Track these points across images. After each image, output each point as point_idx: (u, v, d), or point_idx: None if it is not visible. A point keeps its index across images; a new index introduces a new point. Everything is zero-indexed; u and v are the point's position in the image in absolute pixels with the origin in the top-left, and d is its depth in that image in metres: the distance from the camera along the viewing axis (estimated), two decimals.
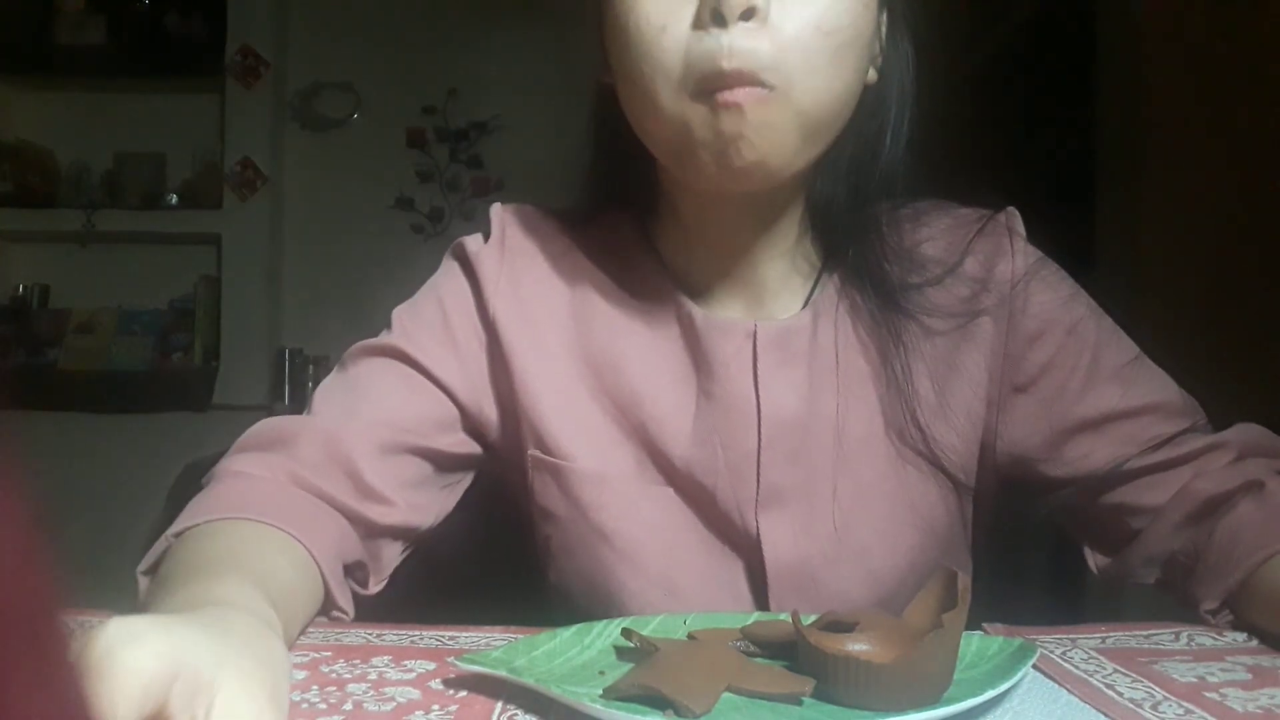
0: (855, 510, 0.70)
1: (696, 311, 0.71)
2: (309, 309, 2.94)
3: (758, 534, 0.70)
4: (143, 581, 0.60)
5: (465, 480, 0.76)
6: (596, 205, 0.78)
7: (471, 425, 0.74)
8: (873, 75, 0.69)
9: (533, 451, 0.72)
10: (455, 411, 0.73)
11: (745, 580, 0.71)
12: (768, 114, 0.60)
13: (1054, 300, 0.72)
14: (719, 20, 0.59)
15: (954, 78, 2.11)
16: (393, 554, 0.71)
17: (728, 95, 0.59)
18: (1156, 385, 0.73)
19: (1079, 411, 0.71)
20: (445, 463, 0.73)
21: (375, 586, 0.69)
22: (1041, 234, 0.75)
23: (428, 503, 0.72)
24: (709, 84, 0.60)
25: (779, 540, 0.70)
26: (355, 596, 0.67)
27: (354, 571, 0.67)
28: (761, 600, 0.71)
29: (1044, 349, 0.72)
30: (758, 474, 0.70)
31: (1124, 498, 0.71)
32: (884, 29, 0.70)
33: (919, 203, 0.75)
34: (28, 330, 2.91)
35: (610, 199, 0.77)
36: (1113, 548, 0.73)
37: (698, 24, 0.61)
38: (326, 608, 0.63)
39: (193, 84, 2.90)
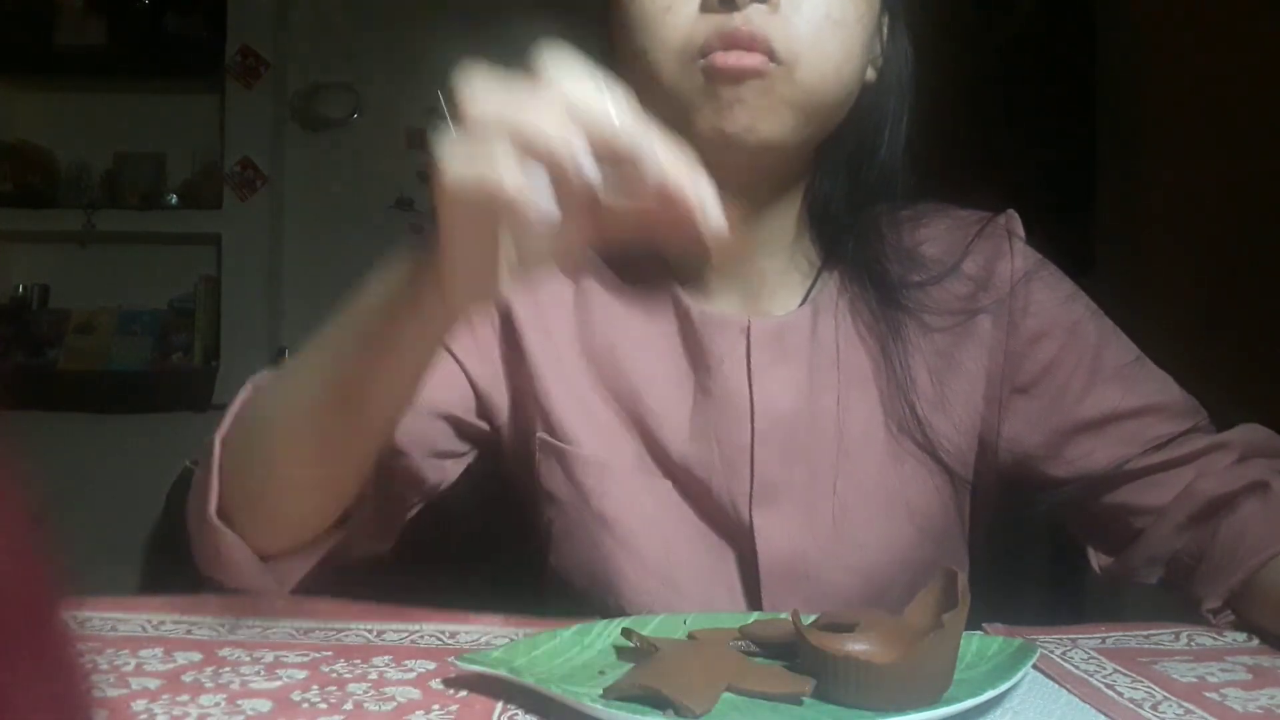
0: (852, 506, 0.71)
1: (694, 307, 0.72)
2: (309, 309, 2.93)
3: (751, 528, 0.70)
4: (218, 448, 0.62)
5: (469, 458, 0.77)
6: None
7: (482, 405, 0.75)
8: (871, 75, 0.70)
9: (540, 434, 0.73)
10: (469, 388, 0.74)
11: (738, 576, 0.72)
12: (769, 83, 0.62)
13: (1054, 300, 0.73)
14: (729, 3, 0.61)
15: (954, 77, 2.11)
16: (402, 507, 0.71)
17: (730, 58, 0.61)
18: (1158, 385, 0.73)
19: (1080, 411, 0.72)
20: (456, 431, 0.74)
21: (381, 545, 0.70)
22: (1042, 235, 0.76)
23: (436, 465, 0.73)
24: (715, 44, 0.61)
25: (773, 535, 0.70)
26: (352, 581, 0.67)
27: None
28: (754, 594, 0.71)
29: (1045, 349, 0.72)
30: (751, 469, 0.70)
31: (1126, 497, 0.71)
32: (885, 29, 0.71)
33: (918, 205, 0.76)
34: (28, 330, 2.90)
35: None
36: (1115, 547, 0.73)
37: (705, 6, 0.62)
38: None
39: (193, 84, 2.89)
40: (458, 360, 0.73)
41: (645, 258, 0.75)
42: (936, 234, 0.75)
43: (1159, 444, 0.70)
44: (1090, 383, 0.72)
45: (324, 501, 0.63)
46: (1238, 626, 0.65)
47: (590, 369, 0.74)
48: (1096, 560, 0.75)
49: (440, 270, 0.48)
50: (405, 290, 0.52)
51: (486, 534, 0.85)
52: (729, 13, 0.61)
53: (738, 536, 0.72)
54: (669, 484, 0.72)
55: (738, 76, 0.61)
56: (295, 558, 0.64)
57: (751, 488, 0.71)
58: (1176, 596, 0.70)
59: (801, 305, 0.73)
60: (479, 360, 0.74)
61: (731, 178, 0.68)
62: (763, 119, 0.62)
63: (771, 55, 0.61)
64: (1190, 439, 0.71)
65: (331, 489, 0.63)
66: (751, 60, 0.61)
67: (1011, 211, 0.76)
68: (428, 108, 2.97)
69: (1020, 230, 0.75)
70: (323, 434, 0.59)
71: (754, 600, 0.71)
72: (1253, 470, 0.68)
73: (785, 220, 0.72)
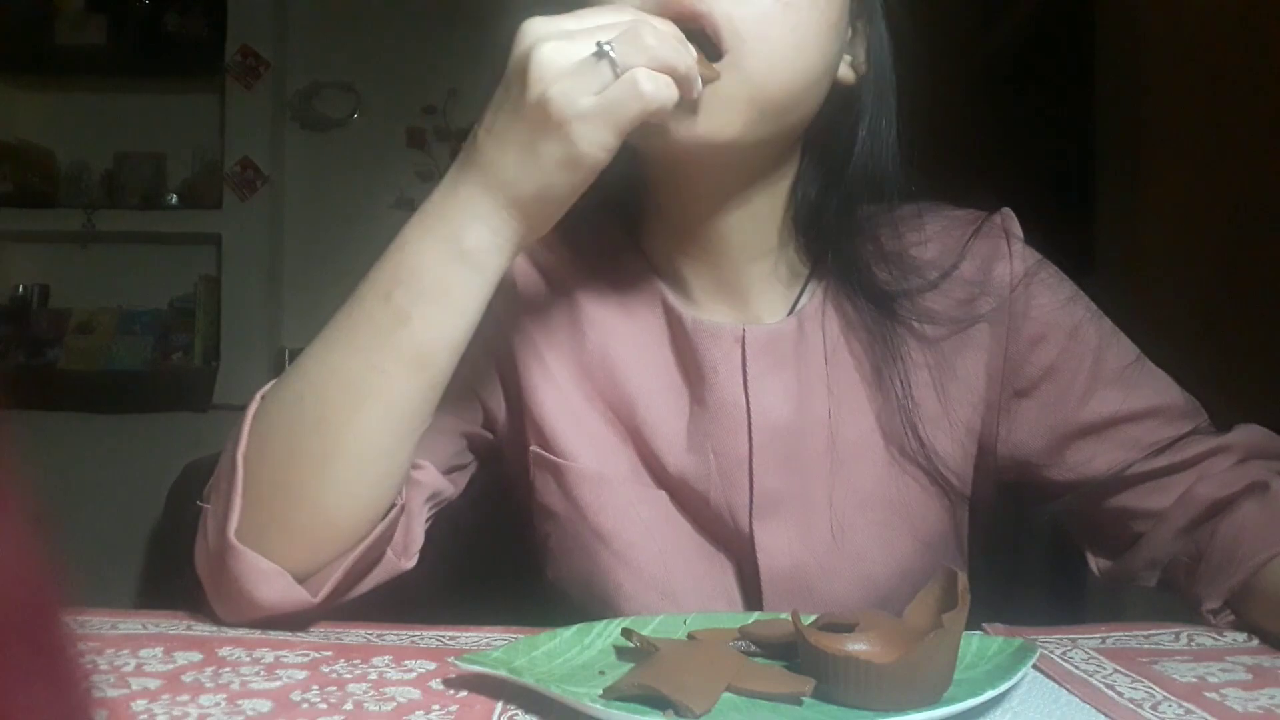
0: (851, 517, 0.70)
1: (686, 315, 0.71)
2: (309, 309, 2.93)
3: (752, 540, 0.70)
4: (240, 464, 0.60)
5: (472, 468, 0.76)
6: (584, 209, 0.78)
7: (487, 417, 0.75)
8: (850, 74, 0.69)
9: (534, 448, 0.72)
10: (476, 400, 0.74)
11: (738, 587, 0.71)
12: (715, 81, 0.60)
13: (1054, 303, 0.72)
14: None
15: (954, 78, 2.11)
16: (419, 520, 0.69)
17: None
18: (1158, 388, 0.72)
19: (1082, 416, 0.71)
20: (469, 444, 0.74)
21: (406, 562, 0.66)
22: (1041, 234, 0.75)
23: (449, 479, 0.72)
24: None
25: (774, 547, 0.70)
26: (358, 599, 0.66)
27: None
28: (755, 606, 0.71)
29: (1046, 353, 0.72)
30: (750, 481, 0.70)
31: (1127, 502, 0.71)
32: (866, 30, 0.70)
33: (910, 205, 0.74)
34: (28, 330, 2.90)
35: (598, 197, 0.77)
36: (1115, 551, 0.73)
37: None
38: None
39: (193, 84, 2.89)
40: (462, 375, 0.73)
41: (633, 265, 0.74)
42: (931, 236, 0.74)
43: (1160, 448, 0.70)
44: (1091, 386, 0.71)
45: (380, 481, 0.61)
46: (1238, 627, 0.65)
47: (584, 381, 0.73)
48: (1095, 563, 0.74)
49: (510, 184, 0.58)
50: (462, 224, 0.60)
51: (486, 545, 0.85)
52: None
53: (737, 548, 0.71)
54: (666, 496, 0.71)
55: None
56: (327, 569, 0.61)
57: (751, 499, 0.70)
58: (1176, 597, 0.70)
59: (793, 312, 0.72)
60: (480, 372, 0.73)
61: (697, 175, 0.67)
62: (710, 115, 0.60)
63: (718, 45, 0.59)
64: (1191, 442, 0.70)
65: (386, 465, 0.61)
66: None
67: (1007, 210, 0.75)
68: (427, 108, 2.98)
69: (1017, 230, 0.74)
70: (376, 397, 0.59)
71: (755, 612, 0.71)
72: (1252, 471, 0.68)
73: (767, 224, 0.71)
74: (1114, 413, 0.71)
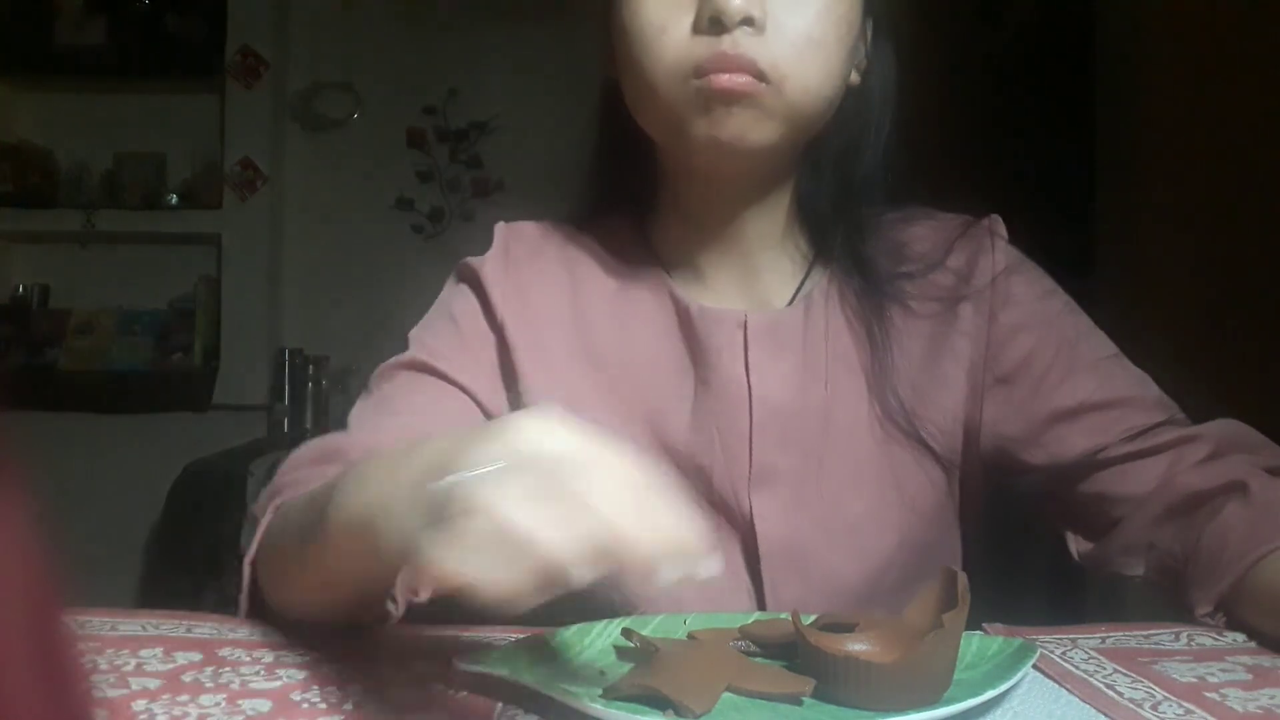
0: (845, 489, 0.73)
1: (692, 304, 0.75)
2: (309, 309, 2.93)
3: (750, 511, 0.73)
4: (247, 570, 0.62)
5: None
6: (595, 207, 0.82)
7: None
8: (855, 77, 0.74)
9: None
10: (481, 415, 0.75)
11: (740, 558, 0.74)
12: (758, 100, 0.66)
13: (1032, 295, 0.76)
14: (717, 26, 0.65)
15: (953, 80, 2.11)
16: None
17: (723, 79, 0.65)
18: (1133, 380, 0.75)
19: (1056, 401, 0.74)
20: None
21: (425, 593, 0.68)
22: (1041, 238, 0.78)
23: None
24: (707, 66, 0.65)
25: (771, 517, 0.73)
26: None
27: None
28: (756, 578, 0.73)
29: (1023, 341, 0.75)
30: (750, 454, 0.73)
31: (1102, 486, 0.73)
32: (869, 34, 0.74)
33: (905, 209, 0.80)
34: (28, 330, 2.90)
35: (612, 190, 0.81)
36: (1093, 535, 0.75)
37: (697, 29, 0.66)
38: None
39: (193, 84, 2.89)
40: (461, 387, 0.74)
41: (642, 260, 0.78)
42: (923, 234, 0.79)
43: (1133, 434, 0.72)
44: (1067, 374, 0.74)
45: (372, 607, 0.61)
46: (1232, 628, 0.65)
47: (592, 375, 0.76)
48: (1075, 545, 0.76)
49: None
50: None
51: None
52: (718, 35, 0.65)
53: (738, 521, 0.74)
54: (671, 476, 0.73)
55: (729, 98, 0.65)
56: None
57: (750, 472, 0.73)
58: (1167, 601, 0.70)
59: (795, 298, 0.77)
60: (478, 376, 0.75)
61: (723, 176, 0.73)
62: (752, 130, 0.67)
63: (759, 75, 0.65)
64: (1163, 430, 0.72)
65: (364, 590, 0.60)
66: (741, 81, 0.65)
67: (995, 215, 0.79)
68: (427, 108, 2.99)
69: (1003, 231, 0.78)
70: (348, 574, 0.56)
71: (756, 584, 0.73)
72: (1230, 467, 0.69)
73: (775, 215, 0.76)
74: (1087, 398, 0.73)
